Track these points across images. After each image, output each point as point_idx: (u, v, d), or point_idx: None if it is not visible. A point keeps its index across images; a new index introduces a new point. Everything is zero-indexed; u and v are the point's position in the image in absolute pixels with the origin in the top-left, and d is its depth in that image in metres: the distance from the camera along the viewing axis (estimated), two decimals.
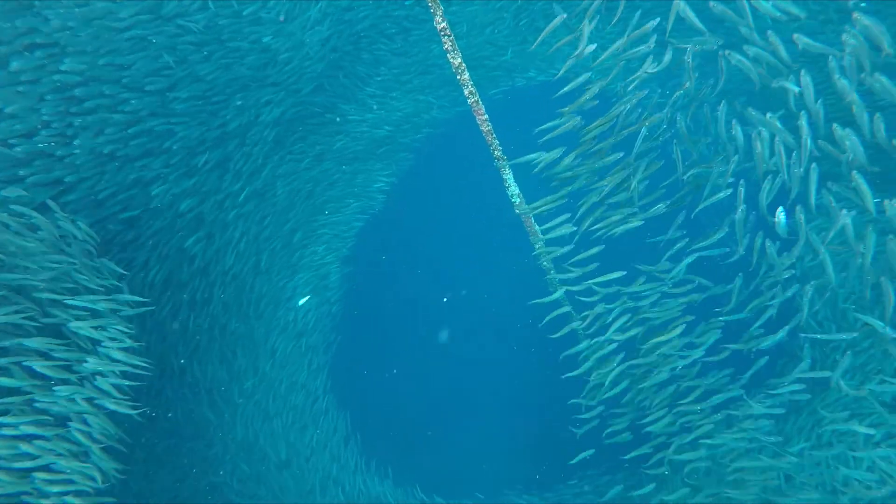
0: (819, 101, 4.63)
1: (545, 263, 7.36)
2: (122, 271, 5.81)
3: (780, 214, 5.01)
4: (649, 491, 7.04)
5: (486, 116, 5.58)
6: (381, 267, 11.32)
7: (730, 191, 5.71)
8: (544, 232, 6.41)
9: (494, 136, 5.72)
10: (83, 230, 5.60)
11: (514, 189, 6.34)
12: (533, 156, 5.87)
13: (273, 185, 8.65)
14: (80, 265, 5.29)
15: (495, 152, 5.91)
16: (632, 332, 6.55)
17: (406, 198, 10.86)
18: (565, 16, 5.06)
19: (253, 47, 7.57)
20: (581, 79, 5.50)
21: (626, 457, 6.87)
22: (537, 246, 7.09)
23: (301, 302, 9.63)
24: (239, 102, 7.65)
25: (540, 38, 5.24)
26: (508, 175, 6.16)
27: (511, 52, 9.62)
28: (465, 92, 5.41)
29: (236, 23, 7.25)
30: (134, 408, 5.03)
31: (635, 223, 6.17)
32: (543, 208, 6.32)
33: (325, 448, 9.37)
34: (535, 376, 10.56)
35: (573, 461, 7.09)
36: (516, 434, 10.36)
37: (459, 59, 5.17)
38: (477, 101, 5.46)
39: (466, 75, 5.28)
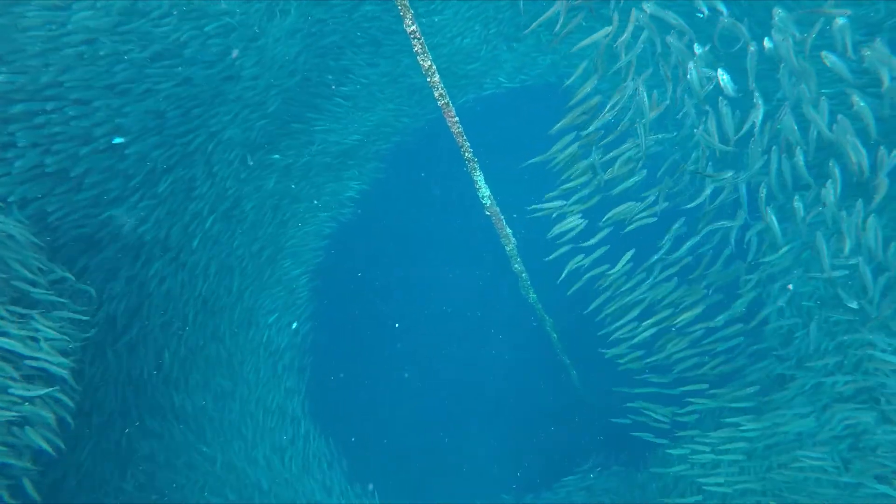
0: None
1: (516, 266, 7.50)
2: (66, 274, 5.71)
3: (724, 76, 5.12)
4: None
5: (457, 118, 5.70)
6: (354, 278, 11.31)
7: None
8: (555, 223, 6.53)
9: (465, 137, 5.85)
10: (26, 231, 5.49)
11: (484, 191, 6.46)
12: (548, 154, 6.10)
13: (240, 203, 8.63)
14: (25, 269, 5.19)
15: (466, 154, 6.03)
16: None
17: (378, 205, 10.95)
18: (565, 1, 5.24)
19: (220, 62, 7.58)
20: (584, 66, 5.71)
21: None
22: (508, 248, 7.22)
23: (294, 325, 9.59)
24: (202, 119, 7.61)
25: (536, 24, 5.46)
26: (479, 177, 6.28)
27: (482, 61, 9.85)
28: (436, 94, 5.53)
29: (200, 35, 7.27)
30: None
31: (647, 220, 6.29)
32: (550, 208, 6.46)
33: (306, 471, 9.25)
34: (520, 382, 10.70)
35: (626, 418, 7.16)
36: (506, 439, 10.45)
37: (430, 62, 5.30)
38: (447, 104, 5.58)
39: (437, 77, 5.41)
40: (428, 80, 5.42)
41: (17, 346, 4.71)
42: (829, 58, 4.49)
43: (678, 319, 6.41)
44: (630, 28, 5.16)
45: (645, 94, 5.43)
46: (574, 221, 6.36)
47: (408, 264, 11.32)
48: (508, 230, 6.97)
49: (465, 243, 11.14)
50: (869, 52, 4.49)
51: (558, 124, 5.97)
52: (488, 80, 10.35)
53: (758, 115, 5.07)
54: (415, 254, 11.47)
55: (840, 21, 4.45)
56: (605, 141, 6.01)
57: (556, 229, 6.48)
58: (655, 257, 6.53)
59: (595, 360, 10.01)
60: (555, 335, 8.45)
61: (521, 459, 10.09)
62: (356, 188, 10.43)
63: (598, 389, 9.65)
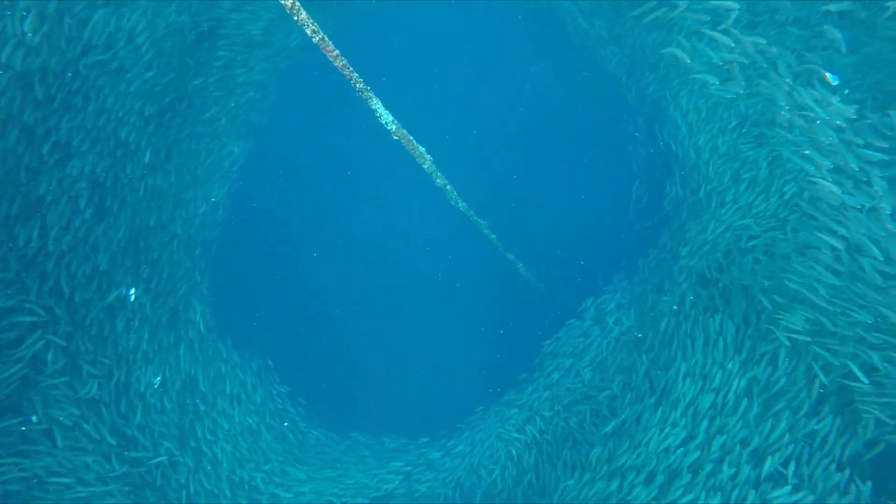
0: None
1: (438, 181, 7.67)
2: None
3: None
4: None
5: (337, 52, 5.60)
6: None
7: None
8: None
9: (352, 69, 5.77)
10: None
11: (386, 117, 6.47)
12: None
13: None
14: None
15: (357, 85, 5.98)
16: None
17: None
18: None
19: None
20: None
21: None
22: (426, 166, 7.35)
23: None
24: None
25: None
26: (377, 104, 6.27)
27: None
28: (308, 32, 5.39)
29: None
30: None
31: None
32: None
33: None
34: (476, 284, 11.30)
35: None
36: (481, 332, 11.06)
37: (292, 1, 5.12)
38: (323, 39, 5.46)
39: (304, 14, 5.25)
40: (295, 19, 5.26)
41: None
42: None
43: None
44: None
45: None
46: None
47: (329, 197, 11.38)
48: (421, 149, 7.06)
49: (380, 167, 11.22)
50: None
51: None
52: None
53: None
54: (331, 187, 11.50)
55: None
56: None
57: None
58: None
59: (538, 250, 10.62)
60: (493, 237, 8.82)
61: (497, 345, 10.81)
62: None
63: (545, 276, 10.30)
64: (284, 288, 11.21)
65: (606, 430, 7.24)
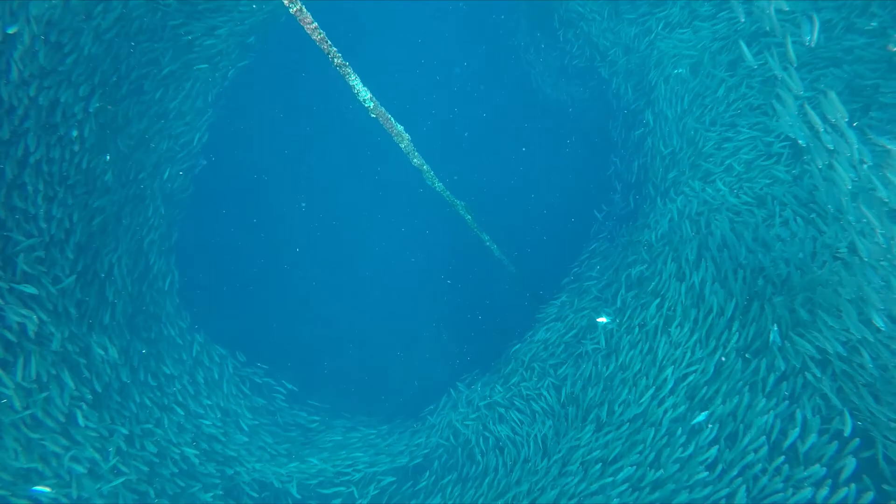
0: None
1: (415, 161, 7.51)
2: None
3: None
4: None
5: (315, 24, 5.35)
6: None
7: None
8: None
9: (330, 43, 5.54)
10: None
11: (364, 94, 6.26)
12: None
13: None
14: None
15: (335, 60, 5.75)
16: None
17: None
18: None
19: None
20: None
21: None
22: (403, 145, 7.18)
23: None
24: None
25: None
26: (355, 81, 6.06)
27: None
28: (285, 2, 5.12)
29: None
30: None
31: None
32: None
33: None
34: (451, 264, 11.22)
35: None
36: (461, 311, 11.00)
37: None
38: (301, 9, 5.20)
39: None
40: None
41: None
42: None
43: None
44: None
45: None
46: None
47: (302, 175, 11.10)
48: (399, 127, 6.88)
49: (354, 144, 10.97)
50: None
51: None
52: None
53: None
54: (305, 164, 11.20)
55: None
56: None
57: None
58: None
59: (512, 234, 10.61)
60: (469, 217, 8.72)
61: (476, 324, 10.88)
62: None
63: (517, 259, 10.33)
64: (263, 270, 10.89)
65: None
